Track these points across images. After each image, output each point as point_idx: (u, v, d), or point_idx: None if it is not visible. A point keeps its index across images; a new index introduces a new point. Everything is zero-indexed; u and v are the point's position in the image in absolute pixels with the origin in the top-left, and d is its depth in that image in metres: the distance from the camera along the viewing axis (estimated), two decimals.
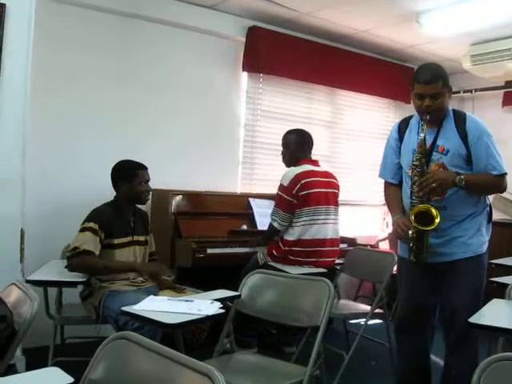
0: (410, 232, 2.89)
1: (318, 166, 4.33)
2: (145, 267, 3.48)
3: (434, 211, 2.82)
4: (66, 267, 3.29)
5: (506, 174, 2.92)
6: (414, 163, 2.91)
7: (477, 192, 2.96)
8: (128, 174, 3.56)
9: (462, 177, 2.81)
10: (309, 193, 4.11)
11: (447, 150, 2.92)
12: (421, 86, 2.88)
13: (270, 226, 4.25)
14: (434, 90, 2.85)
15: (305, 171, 4.17)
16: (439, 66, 3.01)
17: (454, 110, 3.04)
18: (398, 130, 3.19)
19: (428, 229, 2.84)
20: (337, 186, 4.37)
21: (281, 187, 4.19)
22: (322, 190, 4.19)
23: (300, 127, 4.60)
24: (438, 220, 2.81)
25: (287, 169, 4.29)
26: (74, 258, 3.26)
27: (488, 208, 3.09)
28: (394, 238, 4.77)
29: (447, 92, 2.93)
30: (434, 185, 2.80)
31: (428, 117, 2.88)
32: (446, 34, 5.24)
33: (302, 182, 4.10)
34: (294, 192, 4.09)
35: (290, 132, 4.46)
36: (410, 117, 3.18)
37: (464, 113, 3.04)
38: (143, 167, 3.63)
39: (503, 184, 2.96)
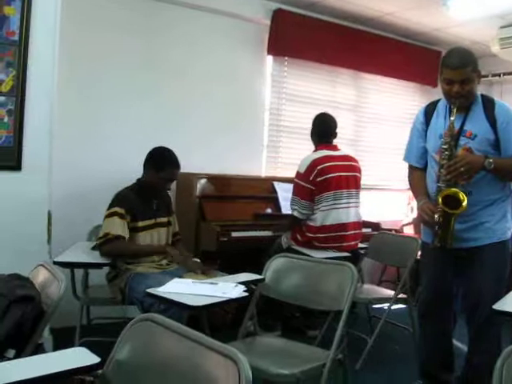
0: (436, 216, 2.86)
1: (337, 150, 4.28)
2: (176, 256, 3.48)
3: (461, 195, 2.79)
4: (93, 248, 3.35)
5: None
6: (443, 146, 2.87)
7: (505, 176, 2.93)
8: (157, 164, 3.54)
9: (491, 160, 2.77)
10: (327, 178, 4.08)
11: (475, 134, 2.89)
12: (450, 72, 2.83)
13: (291, 215, 4.22)
14: (463, 75, 2.80)
15: (321, 156, 4.14)
16: (469, 50, 2.95)
17: (482, 96, 2.98)
18: (425, 114, 3.14)
19: (456, 212, 2.81)
20: (358, 169, 4.32)
21: (298, 175, 4.17)
22: (342, 173, 4.15)
23: (324, 111, 4.58)
24: (465, 204, 2.78)
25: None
26: (105, 244, 3.31)
27: None
28: (418, 222, 4.76)
29: (476, 77, 2.87)
30: (462, 169, 2.77)
31: (457, 103, 2.84)
32: (473, 17, 5.16)
33: (319, 167, 4.07)
34: (311, 178, 4.07)
35: (315, 116, 4.44)
36: (437, 101, 3.14)
37: (493, 98, 2.99)
38: (175, 165, 3.57)
39: None
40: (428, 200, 3.01)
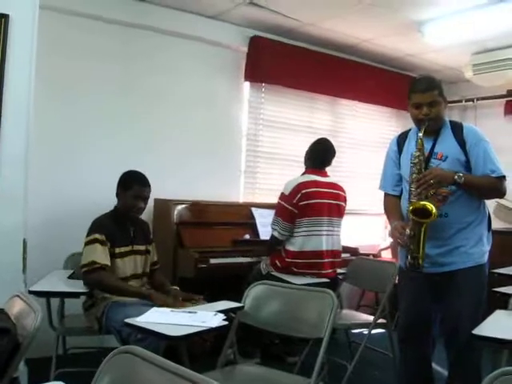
0: (407, 230, 2.88)
1: (326, 176, 4.28)
2: (160, 300, 3.27)
3: (430, 206, 2.81)
4: (70, 277, 3.29)
5: (504, 176, 2.94)
6: (413, 161, 2.93)
7: (476, 193, 2.97)
8: (125, 185, 3.55)
9: (461, 174, 2.84)
10: (310, 203, 4.08)
11: (446, 156, 2.96)
12: (418, 95, 2.97)
13: (271, 235, 4.23)
14: (430, 98, 2.93)
15: (307, 181, 4.15)
16: (434, 77, 3.10)
17: (450, 121, 3.09)
18: (397, 143, 3.24)
19: (426, 221, 2.83)
20: (343, 198, 4.33)
21: (282, 196, 4.17)
22: (326, 200, 4.16)
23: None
24: (434, 211, 2.79)
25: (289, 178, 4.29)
26: (93, 273, 3.26)
27: (488, 217, 3.10)
28: (395, 246, 4.77)
29: (443, 101, 3.00)
30: (432, 181, 2.82)
31: (427, 124, 2.92)
32: (447, 44, 5.26)
33: (303, 191, 4.08)
34: (294, 201, 4.07)
35: (316, 140, 4.44)
36: (408, 130, 3.24)
37: (461, 122, 3.10)
38: (142, 183, 3.57)
39: (502, 187, 2.96)
40: (401, 221, 3.04)
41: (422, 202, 2.84)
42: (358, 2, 4.47)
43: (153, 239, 3.82)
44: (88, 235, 3.40)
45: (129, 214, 3.57)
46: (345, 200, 4.35)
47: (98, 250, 3.32)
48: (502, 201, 5.94)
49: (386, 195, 3.30)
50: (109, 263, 3.33)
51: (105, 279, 3.28)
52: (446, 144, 2.98)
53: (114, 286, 3.32)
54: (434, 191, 2.87)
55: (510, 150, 5.64)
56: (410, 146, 3.09)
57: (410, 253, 2.90)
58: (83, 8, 4.36)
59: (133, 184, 3.53)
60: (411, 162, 2.95)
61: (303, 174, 4.28)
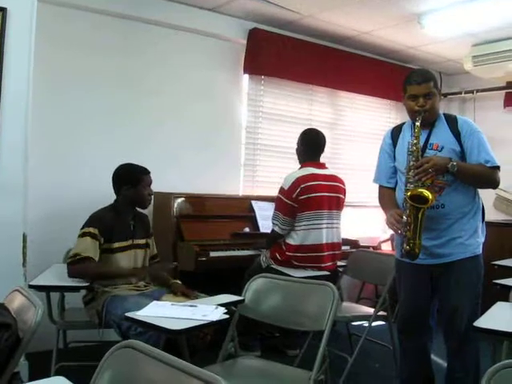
0: (404, 217, 2.88)
1: (324, 168, 4.27)
2: (142, 271, 3.45)
3: (427, 193, 2.81)
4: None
5: (498, 167, 2.95)
6: (410, 149, 2.94)
7: (470, 181, 2.98)
8: (133, 179, 3.54)
9: (455, 163, 2.85)
10: (309, 197, 4.07)
11: (442, 146, 2.97)
12: (414, 87, 2.97)
13: (272, 230, 4.23)
14: (426, 89, 2.95)
15: (306, 175, 4.13)
16: (428, 69, 3.15)
17: (444, 114, 3.12)
18: (392, 136, 3.24)
19: (424, 206, 2.83)
20: (342, 191, 4.31)
21: (281, 190, 4.17)
22: (325, 194, 4.14)
23: (301, 129, 4.57)
24: (431, 197, 2.80)
25: (289, 171, 4.28)
26: (74, 264, 3.25)
27: (482, 208, 3.11)
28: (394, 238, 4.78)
29: (438, 93, 3.02)
30: (430, 170, 2.82)
31: (422, 115, 2.93)
32: (447, 35, 5.26)
33: (303, 185, 4.07)
34: (294, 196, 4.06)
35: (303, 132, 4.42)
36: (402, 123, 3.25)
37: (455, 115, 3.13)
38: (147, 171, 3.60)
39: (496, 177, 2.97)
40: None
41: (419, 189, 2.85)
42: None
43: (152, 232, 3.82)
44: (82, 228, 3.39)
45: (146, 204, 3.61)
46: (344, 192, 4.34)
47: (86, 242, 3.31)
48: (502, 193, 5.93)
49: (381, 188, 3.31)
50: (93, 255, 3.29)
51: (85, 268, 3.25)
52: (441, 135, 3.00)
53: (96, 273, 3.32)
54: (431, 182, 2.88)
55: (509, 142, 5.65)
56: (405, 138, 3.09)
57: (406, 240, 2.90)
58: (81, 1, 4.34)
59: (141, 176, 3.56)
60: (408, 151, 2.95)
61: (301, 167, 4.26)
